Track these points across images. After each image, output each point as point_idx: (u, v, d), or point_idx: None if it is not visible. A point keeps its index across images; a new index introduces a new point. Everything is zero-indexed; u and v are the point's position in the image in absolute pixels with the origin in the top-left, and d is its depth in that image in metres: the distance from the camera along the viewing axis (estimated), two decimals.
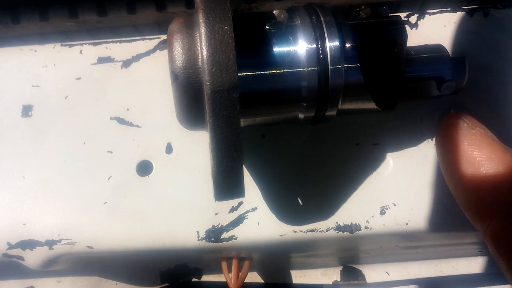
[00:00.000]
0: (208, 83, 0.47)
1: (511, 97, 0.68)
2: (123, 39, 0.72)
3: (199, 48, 0.50)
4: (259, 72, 0.54)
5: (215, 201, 0.55)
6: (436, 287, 0.80)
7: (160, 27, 0.79)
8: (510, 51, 0.70)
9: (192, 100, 0.52)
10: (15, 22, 0.73)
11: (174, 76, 0.51)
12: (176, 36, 0.51)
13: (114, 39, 0.72)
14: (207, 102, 0.48)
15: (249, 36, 0.55)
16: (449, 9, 0.72)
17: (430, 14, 0.72)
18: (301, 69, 0.54)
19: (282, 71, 0.54)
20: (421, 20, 0.71)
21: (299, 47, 0.55)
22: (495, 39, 0.70)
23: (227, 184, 0.53)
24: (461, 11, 0.72)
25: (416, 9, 0.75)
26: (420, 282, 0.80)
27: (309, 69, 0.54)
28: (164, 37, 0.72)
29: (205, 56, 0.47)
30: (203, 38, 0.47)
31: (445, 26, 0.71)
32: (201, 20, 0.48)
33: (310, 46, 0.55)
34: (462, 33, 0.71)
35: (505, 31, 0.70)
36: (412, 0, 0.77)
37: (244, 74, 0.53)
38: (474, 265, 0.80)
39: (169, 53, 0.52)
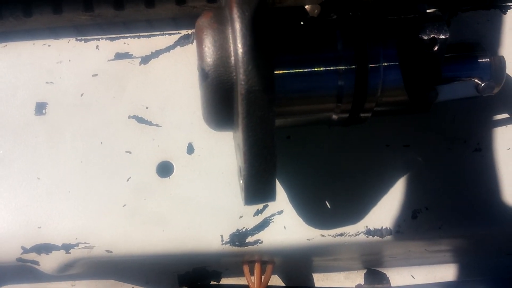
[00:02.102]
0: (243, 83, 0.44)
1: None
2: (141, 34, 0.69)
3: (232, 45, 0.47)
4: (294, 71, 0.51)
5: (244, 205, 0.52)
6: None
7: (176, 22, 0.76)
8: None
9: (222, 99, 0.49)
10: (26, 15, 0.69)
11: (204, 75, 0.48)
12: (207, 32, 0.48)
13: (132, 34, 0.68)
14: (240, 103, 0.45)
15: (283, 33, 0.52)
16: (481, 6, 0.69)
17: (463, 11, 0.68)
18: (338, 67, 0.51)
19: (318, 69, 0.51)
20: (454, 17, 0.68)
21: (336, 44, 0.52)
22: None
23: (259, 188, 0.50)
24: (494, 9, 0.69)
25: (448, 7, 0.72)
26: (446, 286, 0.77)
27: (347, 67, 0.51)
28: (184, 32, 0.69)
29: (240, 54, 0.44)
30: (238, 34, 0.44)
31: (478, 24, 0.68)
32: (235, 15, 0.45)
33: (348, 43, 0.52)
34: (495, 31, 0.68)
35: None
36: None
37: (278, 72, 0.50)
38: (503, 267, 0.78)
39: (199, 49, 0.49)
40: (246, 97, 0.45)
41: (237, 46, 0.44)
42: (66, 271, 0.64)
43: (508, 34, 0.68)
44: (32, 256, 0.62)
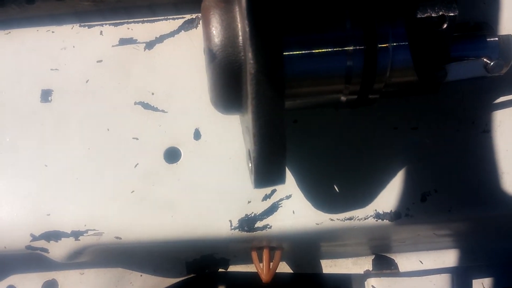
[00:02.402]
0: (251, 62, 0.44)
1: None
2: (145, 19, 0.68)
3: (240, 25, 0.46)
4: (303, 52, 0.51)
5: (254, 188, 0.52)
6: (471, 275, 0.78)
7: (178, 8, 0.75)
8: None
9: (230, 81, 0.49)
10: (29, 2, 0.69)
11: (212, 56, 0.48)
12: (214, 12, 0.47)
13: (136, 19, 0.68)
14: (250, 83, 0.45)
15: (291, 12, 0.51)
16: None
17: None
18: (347, 48, 0.51)
19: (327, 50, 0.51)
20: None
21: (345, 23, 0.51)
22: None
23: (269, 170, 0.50)
24: None
25: None
26: (454, 271, 0.77)
27: (356, 47, 0.51)
28: (188, 16, 0.68)
29: (248, 32, 0.43)
30: (245, 13, 0.44)
31: (484, 3, 0.67)
32: None
33: (357, 22, 0.51)
34: (502, 10, 0.67)
35: None
36: None
37: (286, 53, 0.50)
38: (510, 251, 0.77)
39: (205, 30, 0.48)
40: (256, 77, 0.44)
41: (245, 25, 0.44)
42: (75, 259, 0.64)
43: None
44: (42, 243, 0.62)
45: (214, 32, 0.47)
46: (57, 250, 0.62)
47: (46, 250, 0.62)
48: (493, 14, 0.67)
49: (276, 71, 0.45)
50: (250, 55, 0.44)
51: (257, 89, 0.45)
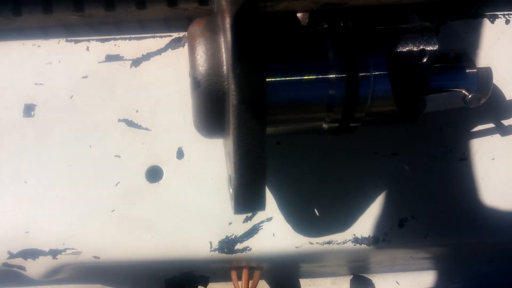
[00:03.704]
0: (234, 93, 0.44)
1: None
2: (132, 36, 0.68)
3: (225, 55, 0.47)
4: (286, 79, 0.51)
5: (234, 214, 0.53)
6: None
7: (167, 24, 0.76)
8: None
9: (214, 108, 0.49)
10: (16, 14, 0.68)
11: (196, 83, 0.48)
12: (199, 40, 0.48)
13: (123, 36, 0.68)
14: (232, 113, 0.46)
15: (275, 41, 0.52)
16: (470, 15, 0.70)
17: (452, 19, 0.69)
18: (329, 76, 0.52)
19: (309, 77, 0.52)
20: (443, 26, 0.69)
21: (327, 53, 0.52)
22: None
23: (248, 198, 0.50)
24: (482, 18, 0.70)
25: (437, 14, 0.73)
26: None
27: (338, 76, 0.52)
28: (175, 35, 0.69)
29: (232, 64, 0.44)
30: (230, 44, 0.44)
31: (466, 32, 0.69)
32: (228, 25, 0.44)
33: (339, 51, 0.52)
34: (483, 40, 0.69)
35: None
36: (432, 5, 0.75)
37: (270, 80, 0.50)
38: (485, 275, 0.79)
39: (191, 58, 0.48)
40: (238, 108, 0.45)
41: (229, 56, 0.44)
42: (52, 276, 0.64)
43: (496, 44, 0.69)
44: (19, 261, 0.61)
45: (199, 61, 0.47)
46: (35, 268, 0.62)
47: (23, 268, 0.62)
48: (473, 44, 0.69)
49: (258, 102, 0.45)
50: (232, 86, 0.44)
51: (239, 119, 0.45)
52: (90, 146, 0.64)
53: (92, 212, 0.62)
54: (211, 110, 0.49)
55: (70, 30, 0.74)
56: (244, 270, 0.68)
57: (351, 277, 0.79)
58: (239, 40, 0.44)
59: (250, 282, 0.69)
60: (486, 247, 0.70)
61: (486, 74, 0.60)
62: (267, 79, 0.50)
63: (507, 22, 0.70)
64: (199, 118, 0.51)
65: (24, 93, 0.65)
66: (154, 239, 0.62)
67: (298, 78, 0.52)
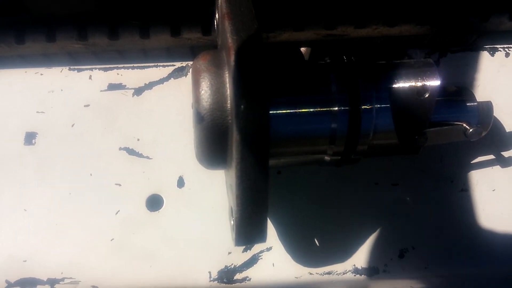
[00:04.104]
0: (237, 129, 0.45)
1: None
2: (135, 65, 0.69)
3: (229, 91, 0.47)
4: (289, 111, 0.52)
5: (235, 246, 0.52)
6: None
7: (170, 53, 0.77)
8: None
9: (216, 142, 0.50)
10: (19, 42, 0.69)
11: (200, 118, 0.48)
12: (204, 75, 0.48)
13: (125, 65, 0.68)
14: (235, 148, 0.46)
15: (279, 74, 0.52)
16: (470, 47, 0.71)
17: (452, 52, 0.70)
18: (332, 109, 0.52)
19: (313, 110, 0.52)
20: (443, 58, 0.70)
21: (330, 86, 0.53)
22: None
23: (250, 231, 0.50)
24: (483, 50, 0.71)
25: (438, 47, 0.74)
26: None
27: (341, 109, 0.52)
28: (178, 64, 0.69)
29: (236, 100, 0.44)
30: (235, 81, 0.45)
31: (467, 65, 0.70)
32: (233, 62, 0.45)
33: (342, 85, 0.53)
34: (483, 73, 0.70)
35: None
36: (430, 37, 0.76)
37: (273, 112, 0.51)
38: None
39: (195, 92, 0.49)
40: (241, 143, 0.45)
41: (234, 92, 0.45)
42: None
43: (496, 76, 0.70)
44: None
45: (203, 96, 0.48)
46: None
47: None
48: (473, 76, 0.70)
49: (261, 138, 0.45)
50: (236, 121, 0.44)
51: (242, 154, 0.46)
52: (91, 175, 0.64)
53: (91, 241, 0.62)
54: (214, 144, 0.50)
55: (73, 58, 0.74)
56: None
57: None
58: (244, 76, 0.45)
59: None
60: (488, 278, 0.70)
61: (486, 108, 0.61)
62: (270, 112, 0.50)
63: (507, 55, 0.71)
64: (202, 150, 0.51)
65: (26, 121, 0.65)
66: (153, 269, 0.61)
67: (301, 111, 0.53)
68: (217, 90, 0.48)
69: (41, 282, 0.60)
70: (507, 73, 0.69)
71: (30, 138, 0.65)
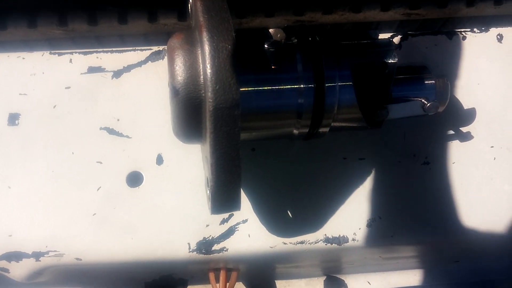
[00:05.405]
0: (210, 100, 0.48)
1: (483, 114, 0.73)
2: (114, 49, 0.71)
3: (202, 66, 0.51)
4: (258, 88, 0.56)
5: (211, 214, 0.56)
6: None
7: (148, 38, 0.80)
8: (484, 73, 0.74)
9: (191, 115, 0.53)
10: (1, 28, 0.71)
11: (175, 92, 0.52)
12: (178, 52, 0.52)
13: (104, 49, 0.71)
14: (208, 119, 0.49)
15: (249, 54, 0.56)
16: (429, 32, 0.76)
17: (413, 36, 0.75)
18: (298, 86, 0.56)
19: (280, 88, 0.56)
20: (405, 41, 0.75)
21: (296, 65, 0.56)
22: (471, 61, 0.74)
23: (225, 198, 0.54)
24: (441, 34, 0.76)
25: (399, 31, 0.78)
26: None
27: (306, 86, 0.56)
28: (155, 48, 0.72)
29: (209, 74, 0.48)
30: (207, 56, 0.48)
31: (426, 48, 0.75)
32: (205, 38, 0.49)
33: (307, 64, 0.57)
34: (441, 55, 0.75)
35: (481, 54, 0.75)
36: (393, 22, 0.81)
37: (243, 90, 0.54)
38: (452, 273, 0.84)
39: (170, 68, 0.52)
40: (214, 114, 0.49)
41: (206, 66, 0.48)
42: (35, 279, 0.65)
43: (453, 58, 0.75)
44: (2, 263, 0.63)
45: (178, 71, 0.51)
46: (18, 270, 0.63)
47: (6, 270, 0.64)
48: (433, 58, 0.74)
49: (233, 109, 0.49)
50: (209, 94, 0.48)
51: (215, 124, 0.49)
52: (73, 153, 0.67)
53: (74, 215, 0.64)
54: (189, 117, 0.53)
55: (53, 44, 0.77)
56: (221, 271, 0.71)
57: (324, 278, 0.83)
58: (215, 51, 0.48)
59: (228, 283, 0.72)
60: (450, 246, 0.75)
61: (443, 85, 0.66)
62: (242, 89, 0.54)
63: (464, 38, 0.76)
64: (178, 124, 0.55)
65: (9, 103, 0.68)
66: (134, 241, 0.64)
67: (270, 88, 0.57)
68: (191, 66, 0.51)
69: (26, 255, 0.63)
70: (463, 55, 0.74)
71: (13, 119, 0.67)
